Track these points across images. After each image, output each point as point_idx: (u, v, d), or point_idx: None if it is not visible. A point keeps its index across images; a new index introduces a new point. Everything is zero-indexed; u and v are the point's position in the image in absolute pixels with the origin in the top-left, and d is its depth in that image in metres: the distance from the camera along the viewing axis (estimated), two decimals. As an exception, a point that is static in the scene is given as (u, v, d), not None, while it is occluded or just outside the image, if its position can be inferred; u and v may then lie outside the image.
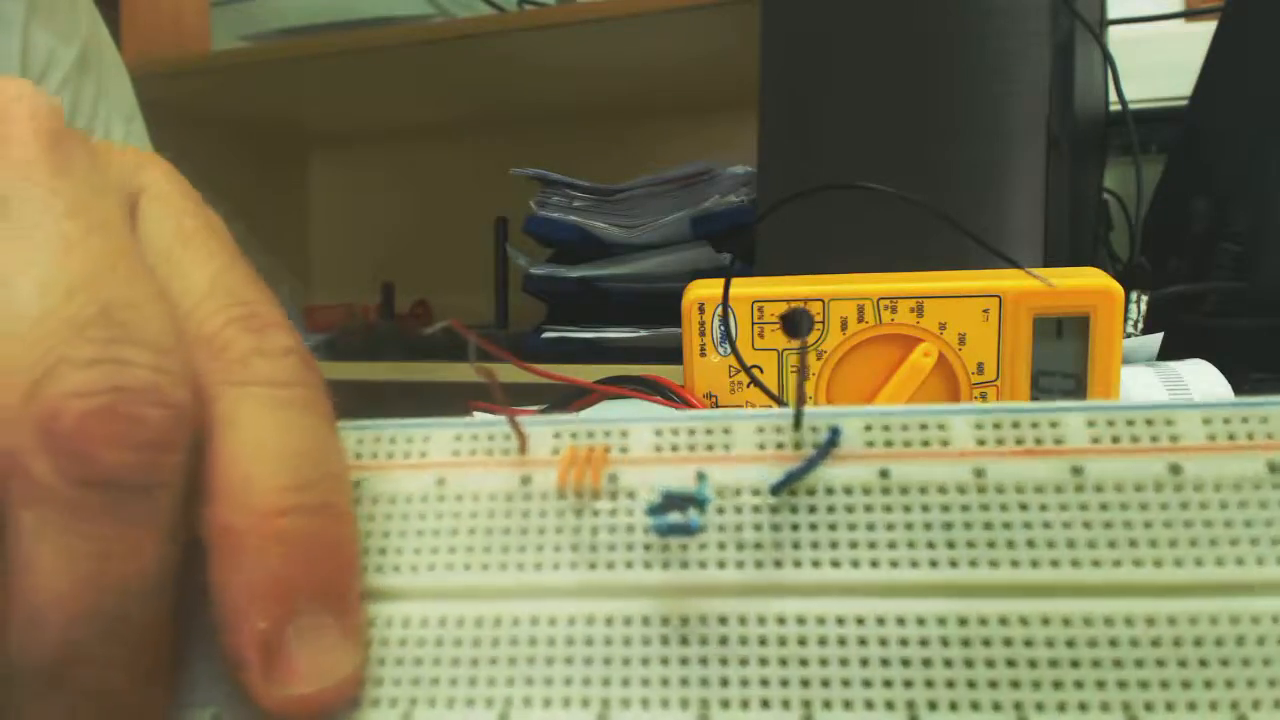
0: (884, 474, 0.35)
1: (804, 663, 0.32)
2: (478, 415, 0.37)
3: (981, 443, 0.36)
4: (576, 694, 0.32)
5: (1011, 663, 0.31)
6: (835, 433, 0.36)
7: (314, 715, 0.25)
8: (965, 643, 0.32)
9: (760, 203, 1.06)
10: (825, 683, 0.32)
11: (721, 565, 0.34)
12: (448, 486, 0.36)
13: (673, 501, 0.33)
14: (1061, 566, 0.33)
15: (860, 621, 0.33)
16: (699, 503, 0.33)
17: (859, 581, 0.34)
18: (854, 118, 0.83)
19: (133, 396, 0.22)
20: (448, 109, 2.03)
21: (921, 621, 0.33)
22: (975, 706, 0.31)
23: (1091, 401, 0.37)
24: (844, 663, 0.32)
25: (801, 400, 0.35)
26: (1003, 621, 0.33)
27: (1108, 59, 1.06)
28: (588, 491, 0.36)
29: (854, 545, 0.34)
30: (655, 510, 0.33)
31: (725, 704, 0.32)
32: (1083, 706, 0.31)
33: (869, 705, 0.31)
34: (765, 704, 0.31)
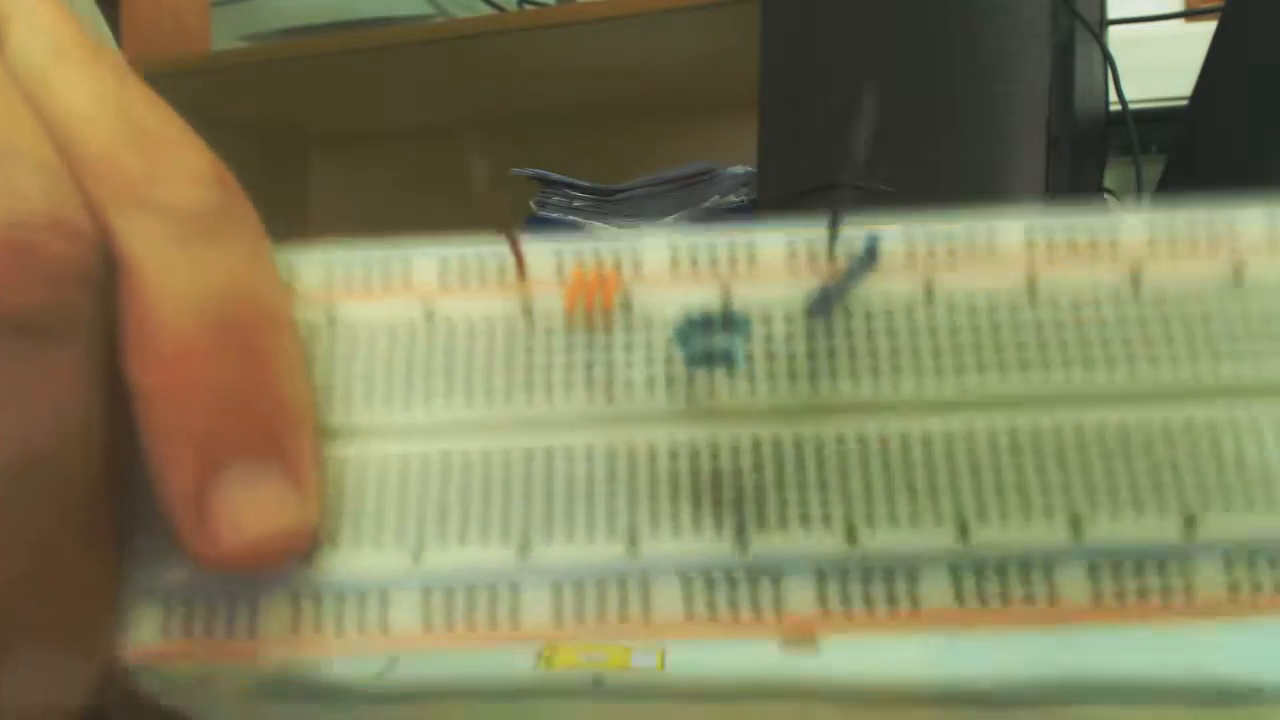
0: (928, 289, 0.32)
1: (847, 483, 0.28)
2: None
3: (1032, 247, 0.33)
4: (601, 523, 0.29)
5: (1064, 468, 0.28)
6: (874, 242, 0.32)
7: (254, 565, 0.24)
8: (1015, 451, 0.29)
9: (760, 203, 1.03)
10: (870, 502, 0.28)
11: (753, 392, 0.30)
12: (437, 317, 0.31)
13: (700, 325, 0.30)
14: (1117, 372, 0.30)
15: (905, 439, 0.30)
16: (738, 326, 0.29)
17: (902, 399, 0.30)
18: (854, 118, 0.80)
19: (29, 228, 0.19)
20: (448, 109, 2.03)
21: (970, 436, 0.29)
22: (1027, 514, 0.28)
23: (1149, 210, 0.33)
24: (889, 481, 0.29)
25: (838, 216, 0.32)
26: (1056, 432, 0.29)
27: (1108, 59, 1.04)
28: (599, 318, 0.32)
29: (896, 365, 0.31)
30: (684, 336, 0.30)
31: (762, 524, 0.28)
32: (1138, 508, 0.28)
33: (915, 519, 0.28)
34: (805, 520, 0.28)
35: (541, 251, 0.33)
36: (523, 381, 0.31)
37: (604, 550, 0.28)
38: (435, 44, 1.61)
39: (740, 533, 0.28)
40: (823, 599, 0.28)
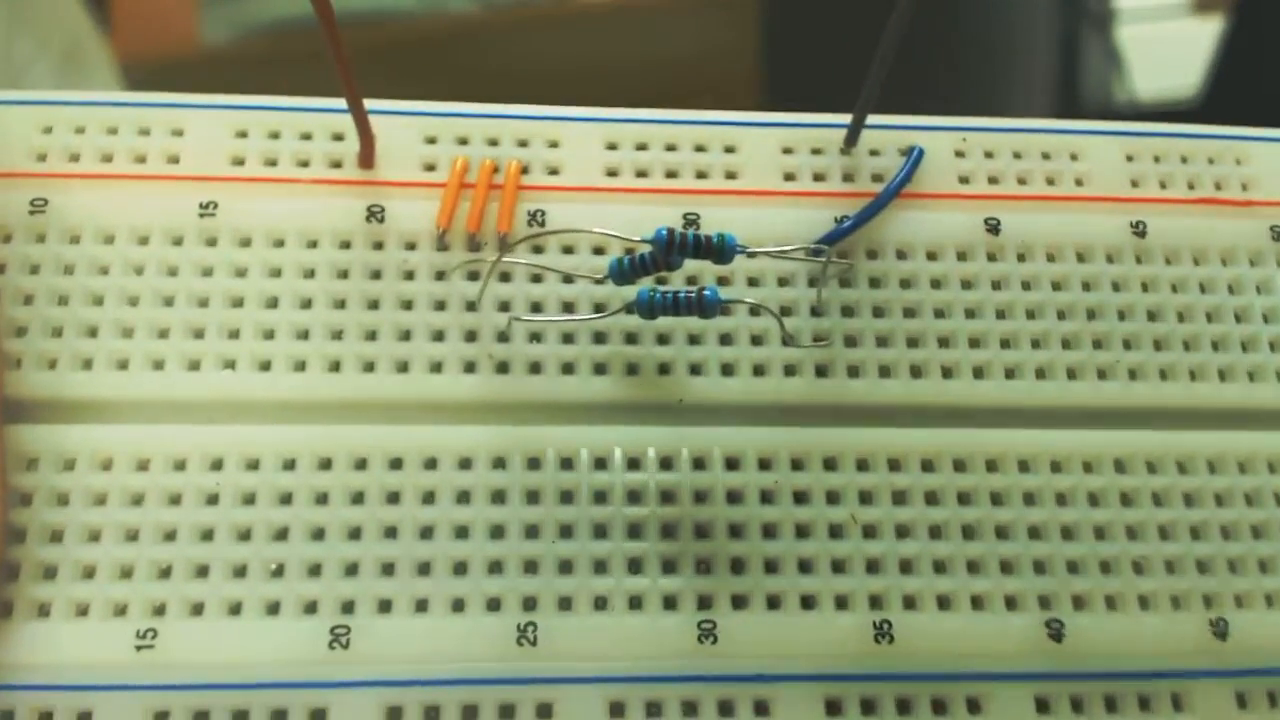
0: (992, 226, 0.22)
1: (874, 565, 0.19)
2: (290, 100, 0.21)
3: (1137, 184, 0.23)
4: (478, 588, 0.18)
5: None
6: (917, 154, 0.22)
7: None
8: (1133, 503, 0.20)
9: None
10: (907, 581, 0.19)
11: (728, 370, 0.20)
12: (222, 219, 0.20)
13: (654, 258, 0.19)
14: (1264, 381, 0.21)
15: (962, 466, 0.20)
16: (722, 254, 0.18)
17: (952, 402, 0.20)
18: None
19: None
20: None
21: (1058, 466, 0.20)
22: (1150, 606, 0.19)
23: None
24: (938, 540, 0.19)
25: (868, 102, 0.21)
26: (1181, 468, 0.20)
27: (1114, 54, 1.05)
28: (491, 238, 0.21)
29: (945, 341, 0.21)
30: (627, 267, 0.19)
31: (741, 604, 0.18)
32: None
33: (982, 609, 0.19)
34: (807, 603, 0.18)
35: (403, 129, 0.21)
36: (358, 338, 0.19)
37: (481, 635, 0.18)
38: (430, 40, 1.55)
39: (707, 616, 0.18)
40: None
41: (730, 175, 0.22)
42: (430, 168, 0.21)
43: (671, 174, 0.22)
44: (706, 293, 0.18)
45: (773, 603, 0.19)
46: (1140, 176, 0.23)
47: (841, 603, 0.19)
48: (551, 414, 0.20)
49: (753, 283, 0.21)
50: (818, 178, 0.22)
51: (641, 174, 0.22)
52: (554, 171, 0.21)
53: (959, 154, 0.23)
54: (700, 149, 0.22)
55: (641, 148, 0.22)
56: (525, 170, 0.21)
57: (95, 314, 0.19)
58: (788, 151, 0.22)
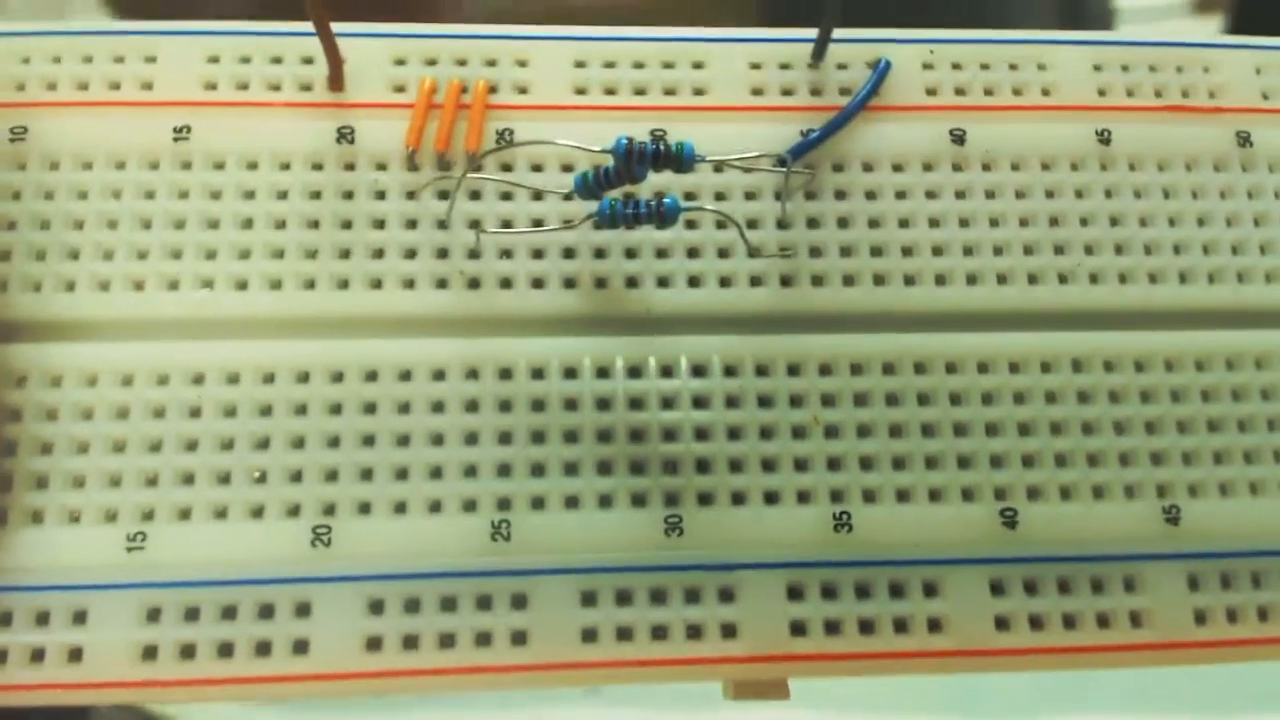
0: (957, 136, 0.23)
1: (835, 461, 0.20)
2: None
3: (1104, 92, 0.24)
4: (454, 489, 0.20)
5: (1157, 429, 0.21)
6: (883, 66, 0.23)
7: None
8: (1086, 400, 0.21)
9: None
10: (866, 476, 0.20)
11: (695, 282, 0.21)
12: (195, 143, 0.21)
13: (616, 171, 0.20)
14: (1222, 283, 0.22)
15: (922, 368, 0.21)
16: (680, 162, 0.19)
17: (915, 308, 0.22)
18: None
19: None
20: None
21: (1016, 367, 0.21)
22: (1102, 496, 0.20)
23: (1261, 38, 0.25)
24: (897, 439, 0.20)
25: (834, 16, 0.22)
26: (1139, 367, 0.21)
27: None
28: (460, 157, 0.22)
29: (909, 250, 0.22)
30: (593, 181, 0.20)
31: (706, 500, 0.20)
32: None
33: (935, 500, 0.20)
34: (769, 498, 0.19)
35: (372, 51, 0.22)
36: (332, 256, 0.21)
37: (457, 533, 0.19)
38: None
39: (674, 512, 0.20)
40: (798, 624, 0.19)
41: (698, 91, 0.23)
42: (399, 89, 0.22)
43: (640, 91, 0.23)
44: (666, 201, 0.19)
45: (737, 499, 0.20)
46: (1107, 85, 0.24)
47: (803, 497, 0.20)
48: (522, 327, 0.21)
49: (719, 197, 0.22)
50: (785, 92, 0.23)
51: (610, 91, 0.23)
52: (522, 90, 0.22)
53: (926, 66, 0.24)
54: (668, 66, 0.23)
55: (609, 65, 0.23)
56: (493, 90, 0.22)
57: (76, 237, 0.21)
58: (755, 67, 0.23)
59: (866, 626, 0.20)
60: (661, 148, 0.19)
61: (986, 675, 0.37)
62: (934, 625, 0.20)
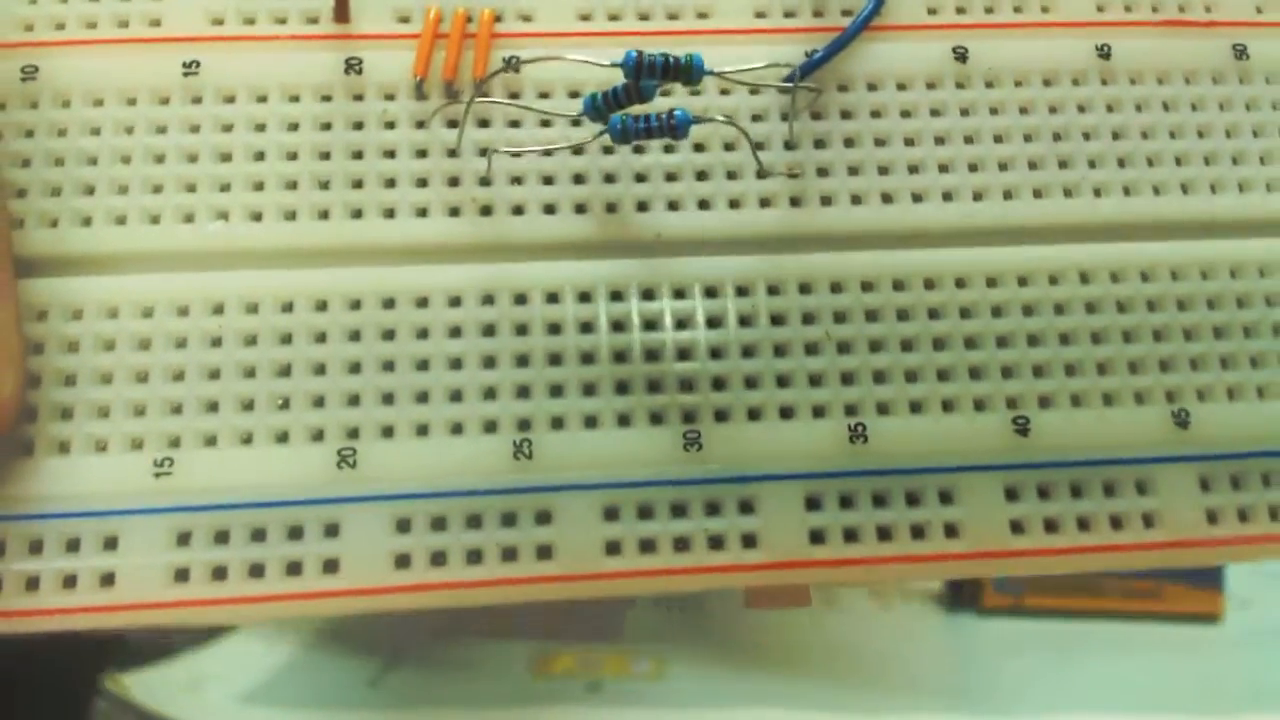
0: (960, 54, 0.23)
1: (849, 376, 0.20)
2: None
3: (1102, 9, 0.24)
4: (474, 411, 0.20)
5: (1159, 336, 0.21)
6: (882, -15, 0.23)
7: None
8: (1093, 310, 0.21)
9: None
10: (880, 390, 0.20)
11: (705, 204, 0.21)
12: (205, 77, 0.21)
13: (625, 89, 0.20)
14: (1224, 193, 0.22)
15: (932, 284, 0.21)
16: (690, 74, 0.19)
17: (922, 225, 0.22)
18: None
19: None
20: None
21: (1024, 280, 0.21)
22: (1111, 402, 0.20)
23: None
24: (909, 352, 0.21)
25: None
26: (1145, 277, 0.22)
27: None
28: (466, 85, 0.22)
29: (915, 168, 0.22)
30: (601, 102, 0.20)
31: (723, 417, 0.20)
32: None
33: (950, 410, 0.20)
34: (785, 414, 0.20)
35: (375, -19, 0.22)
36: (344, 187, 0.21)
37: (480, 453, 0.19)
38: None
39: (692, 428, 0.20)
40: (817, 533, 0.19)
41: (702, 15, 0.23)
42: (404, 19, 0.22)
43: (644, 16, 0.23)
44: (677, 113, 0.19)
45: (753, 414, 0.20)
46: (1105, 2, 0.24)
47: (818, 411, 0.20)
48: (535, 252, 0.21)
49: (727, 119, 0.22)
50: (788, 14, 0.23)
51: (614, 17, 0.23)
52: (527, 18, 0.22)
53: (929, -13, 0.24)
54: (670, -14, 0.23)
55: (610, -9, 0.23)
56: (498, 18, 0.22)
57: (91, 173, 0.20)
58: (757, -9, 0.23)
59: (884, 533, 0.20)
60: (671, 60, 0.19)
61: (986, 676, 0.37)
62: (950, 531, 0.20)
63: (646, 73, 0.19)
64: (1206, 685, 0.39)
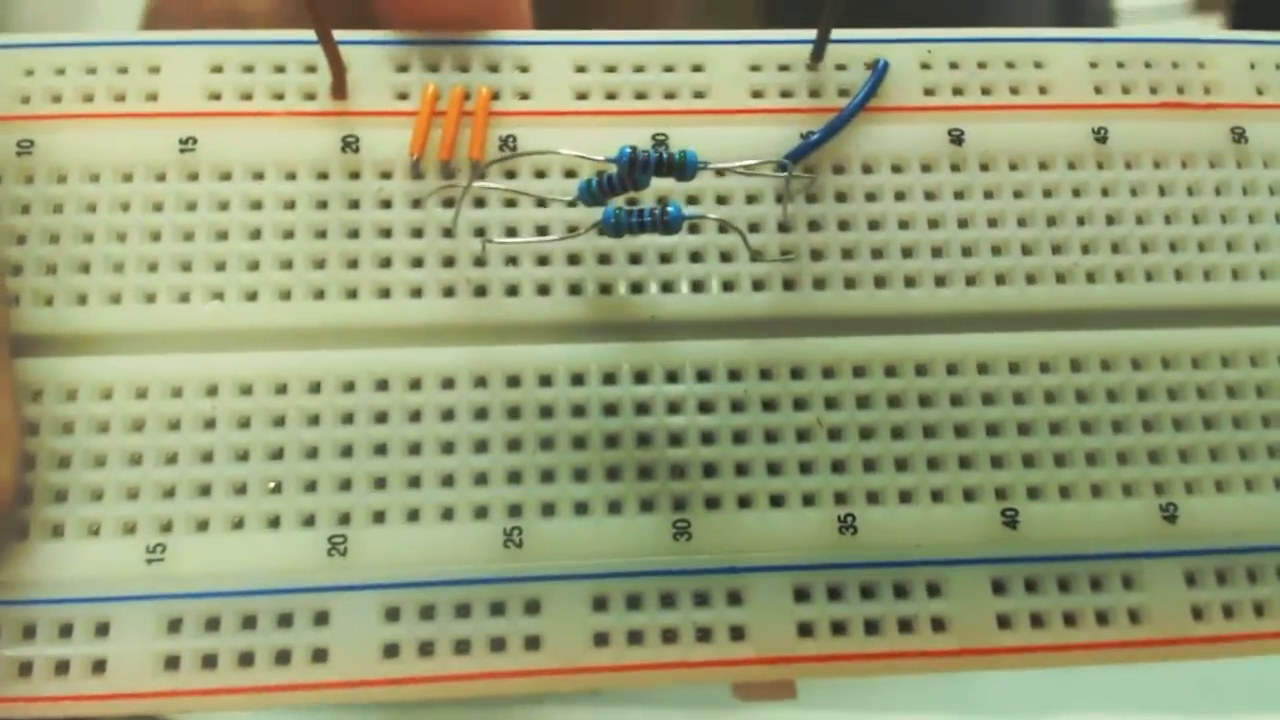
0: (956, 136, 0.23)
1: (839, 464, 0.20)
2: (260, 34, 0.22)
3: (1100, 90, 0.24)
4: (465, 497, 0.20)
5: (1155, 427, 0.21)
6: (882, 67, 0.23)
7: None
8: (1086, 399, 0.21)
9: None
10: (870, 478, 0.20)
11: (699, 286, 0.21)
12: (201, 154, 0.21)
13: (620, 178, 0.20)
14: (1218, 279, 0.22)
15: (923, 370, 0.21)
16: (684, 170, 0.19)
17: (915, 310, 0.22)
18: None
19: None
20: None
21: (1015, 367, 0.21)
22: (1101, 494, 0.20)
23: (1256, 33, 0.25)
24: (900, 440, 0.21)
25: (831, 17, 0.22)
26: (1135, 364, 0.22)
27: None
28: (463, 165, 0.22)
29: (908, 252, 0.22)
30: (596, 188, 0.20)
31: (714, 505, 0.20)
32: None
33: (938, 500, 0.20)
34: (776, 502, 0.20)
35: (373, 59, 0.22)
36: (340, 266, 0.21)
37: (470, 540, 0.19)
38: None
39: (682, 516, 0.20)
40: (806, 626, 0.19)
41: (698, 94, 0.23)
42: (402, 96, 0.22)
43: (640, 95, 0.23)
44: (670, 210, 0.19)
45: (744, 502, 0.20)
46: (1103, 83, 0.24)
47: (808, 500, 0.20)
48: (529, 334, 0.21)
49: (721, 201, 0.22)
50: (785, 94, 0.23)
51: (611, 96, 0.23)
52: (524, 96, 0.22)
53: (924, 66, 0.24)
54: (668, 69, 0.23)
55: (610, 70, 0.23)
56: (495, 96, 0.22)
57: (86, 250, 0.20)
58: (755, 69, 0.23)
59: (872, 627, 0.20)
60: (665, 155, 0.19)
61: (986, 676, 0.37)
62: (938, 624, 0.20)
63: (640, 168, 0.19)
64: (1206, 685, 0.39)
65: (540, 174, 0.22)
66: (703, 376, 0.21)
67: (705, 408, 0.21)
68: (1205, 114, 0.24)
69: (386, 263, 0.21)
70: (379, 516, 0.20)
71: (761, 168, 0.22)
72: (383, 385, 0.20)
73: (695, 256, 0.22)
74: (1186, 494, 0.21)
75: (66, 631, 0.19)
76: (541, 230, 0.22)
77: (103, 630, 0.19)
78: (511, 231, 0.22)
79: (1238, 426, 0.22)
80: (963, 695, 0.37)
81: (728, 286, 0.22)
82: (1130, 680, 0.38)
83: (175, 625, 0.19)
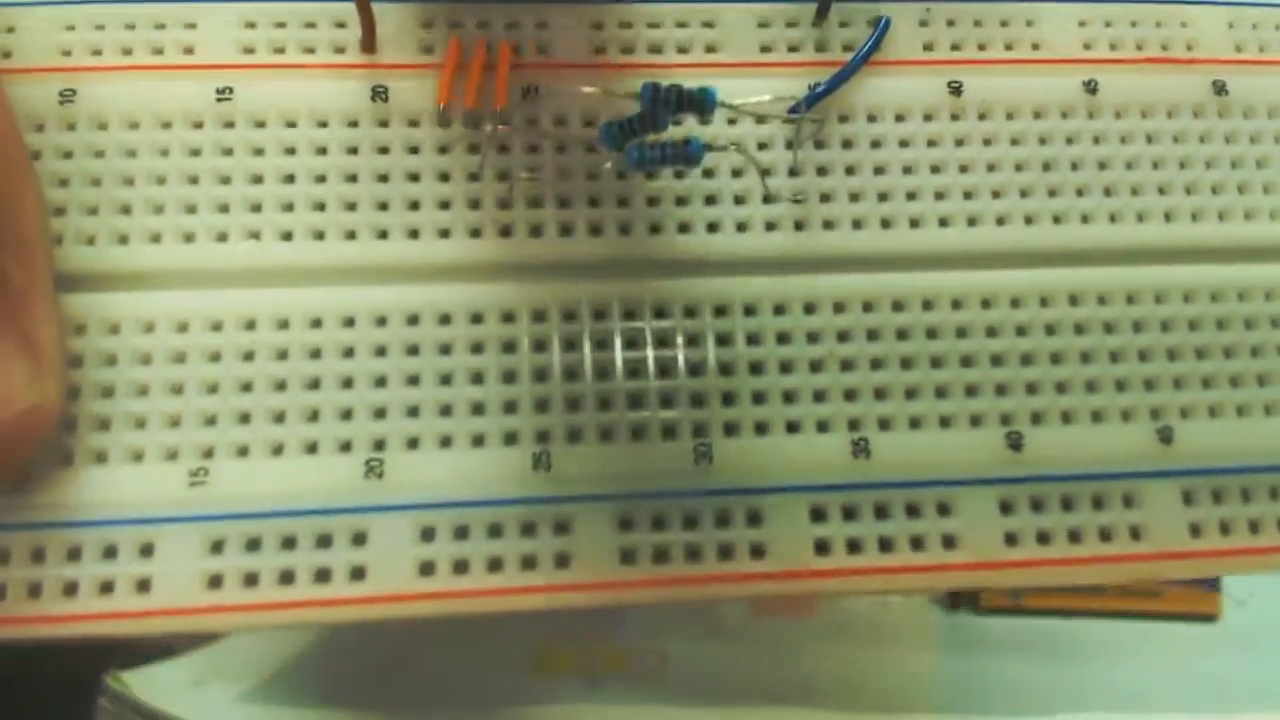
0: (955, 88, 0.24)
1: (851, 393, 0.21)
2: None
3: (1089, 46, 0.25)
4: (496, 425, 0.20)
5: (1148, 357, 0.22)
6: (884, 24, 0.24)
7: None
8: (1081, 330, 0.22)
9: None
10: (881, 405, 0.21)
11: (713, 227, 0.22)
12: (237, 103, 0.22)
13: (640, 119, 0.20)
14: (1205, 221, 0.23)
15: (929, 305, 0.22)
16: (703, 106, 0.20)
17: (919, 249, 0.23)
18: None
19: None
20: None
21: (1016, 302, 0.22)
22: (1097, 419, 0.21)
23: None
24: (909, 370, 0.21)
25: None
26: (1130, 299, 0.23)
27: None
28: (488, 114, 0.22)
29: (912, 195, 0.23)
30: (617, 131, 0.21)
31: (732, 431, 0.21)
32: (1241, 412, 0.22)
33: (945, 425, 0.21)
34: (792, 428, 0.21)
35: (401, 16, 0.23)
36: (370, 208, 0.21)
37: (501, 464, 0.20)
38: None
39: (703, 442, 0.20)
40: (822, 543, 0.20)
41: (710, 49, 0.24)
42: (428, 50, 0.23)
43: (655, 49, 0.24)
44: (692, 142, 0.20)
45: (760, 428, 0.21)
46: (1092, 40, 0.25)
47: (822, 426, 0.21)
48: (553, 272, 0.22)
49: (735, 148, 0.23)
50: (792, 49, 0.24)
51: (626, 50, 0.24)
52: (542, 50, 0.23)
53: (923, 24, 0.25)
54: (681, 25, 0.24)
55: (625, 25, 0.24)
56: (516, 50, 0.23)
57: (127, 193, 0.21)
58: (763, 25, 0.24)
59: (886, 544, 0.21)
60: (685, 91, 0.20)
61: (986, 676, 0.38)
62: (948, 542, 0.21)
63: (662, 105, 0.20)
64: (1205, 684, 0.39)
65: (560, 121, 0.23)
66: (720, 312, 0.22)
67: (722, 340, 0.22)
68: (1188, 68, 0.25)
69: (415, 205, 0.22)
70: (413, 442, 0.20)
71: (774, 108, 0.22)
72: (414, 320, 0.21)
73: (710, 199, 0.23)
74: (1181, 418, 0.22)
75: (111, 552, 0.19)
76: (563, 174, 0.22)
77: (147, 550, 0.19)
78: (534, 175, 0.22)
79: (1227, 356, 0.23)
80: (962, 695, 0.37)
81: (741, 228, 0.23)
82: (1130, 680, 0.39)
83: (218, 545, 0.19)
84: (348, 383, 0.21)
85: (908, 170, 0.23)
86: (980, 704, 0.37)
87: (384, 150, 0.22)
